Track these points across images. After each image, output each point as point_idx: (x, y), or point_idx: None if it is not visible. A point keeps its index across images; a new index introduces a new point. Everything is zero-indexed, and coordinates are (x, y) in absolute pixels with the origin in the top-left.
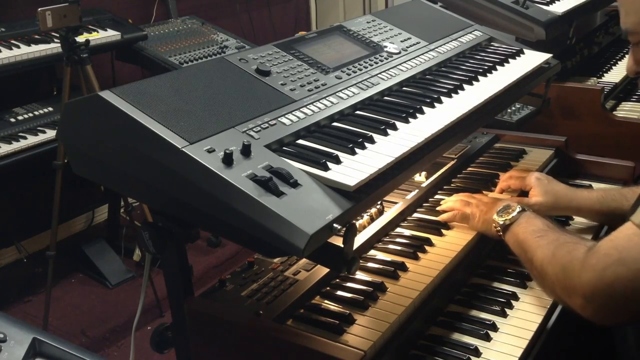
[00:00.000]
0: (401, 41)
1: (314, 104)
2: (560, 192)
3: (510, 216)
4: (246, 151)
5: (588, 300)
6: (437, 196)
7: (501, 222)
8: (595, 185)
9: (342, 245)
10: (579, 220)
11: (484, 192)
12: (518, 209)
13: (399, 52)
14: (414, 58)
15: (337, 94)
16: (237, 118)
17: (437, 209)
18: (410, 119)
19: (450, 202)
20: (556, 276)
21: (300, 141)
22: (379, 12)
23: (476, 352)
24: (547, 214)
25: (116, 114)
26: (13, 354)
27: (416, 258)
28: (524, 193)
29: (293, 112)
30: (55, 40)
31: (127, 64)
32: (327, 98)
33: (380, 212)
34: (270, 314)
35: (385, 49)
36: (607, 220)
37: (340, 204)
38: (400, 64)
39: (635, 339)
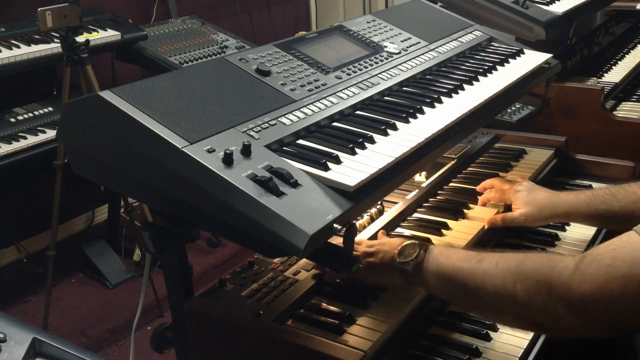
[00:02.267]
0: (401, 41)
1: (314, 104)
2: (543, 200)
3: (415, 254)
4: (246, 151)
5: (576, 311)
6: (438, 197)
7: (407, 264)
8: (595, 185)
9: (342, 245)
10: (575, 225)
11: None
12: (419, 246)
13: (399, 52)
14: (414, 58)
15: (337, 94)
16: (237, 118)
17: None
18: (410, 119)
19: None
20: (533, 292)
21: (301, 141)
22: (379, 12)
23: (476, 352)
24: (535, 224)
25: (116, 114)
26: (13, 354)
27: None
28: (507, 208)
29: (293, 112)
30: (55, 40)
31: (127, 64)
32: (327, 98)
33: (381, 212)
34: (270, 314)
35: (385, 49)
36: (599, 223)
37: (340, 204)
38: (400, 64)
39: None
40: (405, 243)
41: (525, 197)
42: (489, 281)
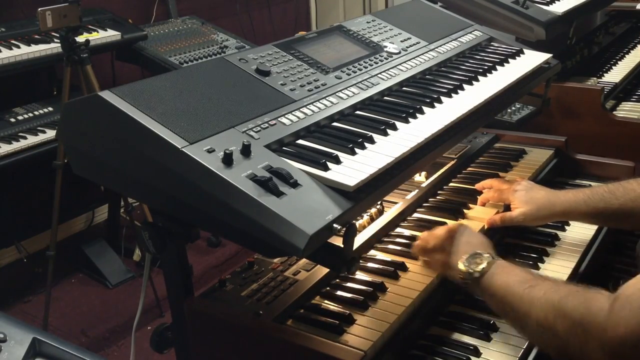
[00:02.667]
0: (401, 41)
1: (314, 104)
2: (541, 199)
3: (480, 267)
4: (246, 151)
5: (614, 356)
6: (437, 197)
7: (468, 274)
8: (595, 185)
9: (342, 246)
10: (575, 224)
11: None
12: (488, 259)
13: (399, 52)
14: (414, 58)
15: (337, 94)
16: (237, 118)
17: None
18: (410, 119)
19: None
20: (570, 331)
21: (300, 141)
22: (379, 12)
23: (476, 352)
24: (534, 223)
25: (116, 114)
26: (13, 354)
27: (416, 258)
28: (507, 208)
29: (293, 112)
30: (55, 40)
31: (127, 64)
32: (327, 98)
33: (380, 212)
34: (270, 314)
35: (385, 49)
36: (598, 221)
37: (340, 204)
38: (400, 64)
39: None
40: (475, 251)
41: (523, 196)
42: (533, 311)
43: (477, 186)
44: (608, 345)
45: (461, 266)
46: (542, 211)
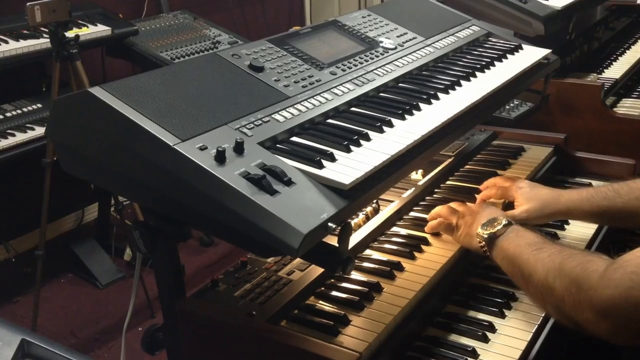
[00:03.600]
0: (397, 36)
1: (308, 100)
2: (545, 196)
3: (495, 229)
4: (239, 149)
5: (603, 316)
6: (434, 195)
7: (486, 236)
8: (595, 183)
9: (337, 245)
10: (575, 223)
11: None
12: (504, 222)
13: (395, 48)
14: (410, 54)
15: (331, 90)
16: (230, 115)
17: (428, 217)
18: (406, 116)
19: (438, 209)
20: (566, 290)
21: (294, 138)
22: (374, 6)
23: (474, 353)
24: (537, 221)
25: (106, 111)
26: (1, 355)
27: (412, 258)
28: (509, 205)
29: (287, 109)
30: (44, 35)
31: (118, 60)
32: (321, 94)
33: (376, 211)
34: (264, 315)
35: (381, 45)
36: (601, 221)
37: (335, 203)
38: (396, 60)
39: None
40: (492, 216)
41: (527, 193)
42: (537, 271)
43: (481, 187)
44: (597, 304)
45: (479, 230)
46: (546, 209)
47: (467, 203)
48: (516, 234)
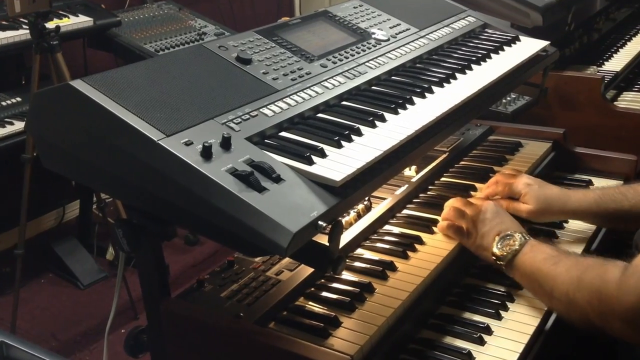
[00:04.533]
0: (390, 27)
1: (298, 94)
2: (553, 195)
3: (512, 249)
4: (226, 144)
5: (630, 323)
6: (428, 192)
7: (502, 256)
8: (595, 180)
9: (327, 244)
10: (573, 223)
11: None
12: (520, 240)
13: (388, 39)
14: (403, 45)
15: (322, 83)
16: (217, 109)
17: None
18: (399, 110)
19: (445, 212)
20: (588, 303)
21: (283, 133)
22: None
23: (469, 356)
24: (541, 220)
25: (88, 105)
26: None
27: (406, 257)
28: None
29: (275, 103)
30: (24, 26)
31: (100, 52)
32: (311, 88)
33: (368, 209)
34: (252, 317)
35: (373, 36)
36: (606, 223)
37: (325, 200)
38: (389, 52)
39: None
40: (507, 232)
41: (535, 191)
42: (557, 287)
43: (484, 186)
44: (622, 313)
45: (495, 249)
46: (552, 208)
47: (471, 200)
48: (531, 249)
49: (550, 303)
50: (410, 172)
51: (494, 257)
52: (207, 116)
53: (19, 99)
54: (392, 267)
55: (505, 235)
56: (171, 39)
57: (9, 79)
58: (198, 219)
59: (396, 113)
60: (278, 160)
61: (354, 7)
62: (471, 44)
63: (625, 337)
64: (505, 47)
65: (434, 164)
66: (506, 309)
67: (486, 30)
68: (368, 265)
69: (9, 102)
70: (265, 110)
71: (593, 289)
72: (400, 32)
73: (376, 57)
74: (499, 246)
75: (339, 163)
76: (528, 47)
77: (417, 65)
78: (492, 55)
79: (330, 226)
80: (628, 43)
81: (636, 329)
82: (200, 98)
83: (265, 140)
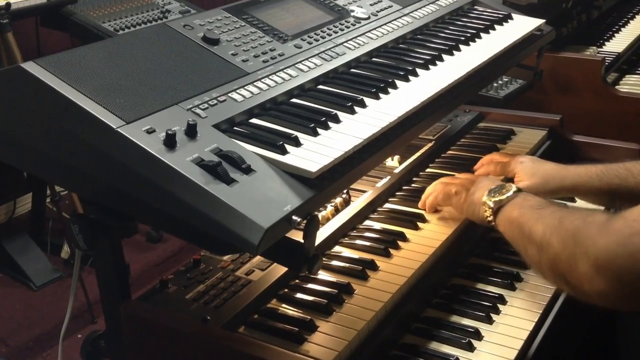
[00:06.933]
0: (370, 5)
1: (270, 77)
2: (550, 170)
3: (505, 196)
4: (191, 132)
5: (599, 269)
6: (413, 184)
7: (492, 204)
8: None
9: (302, 241)
10: (579, 204)
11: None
12: (514, 189)
13: (368, 18)
14: (385, 24)
15: (296, 65)
16: (181, 94)
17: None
18: (381, 95)
19: (431, 187)
20: (563, 243)
21: (254, 120)
22: None
23: None
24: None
25: (41, 89)
26: None
27: (388, 255)
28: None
29: (245, 87)
30: None
31: (54, 31)
32: (285, 70)
33: (347, 202)
34: (220, 320)
35: (352, 14)
36: (609, 199)
37: (300, 193)
38: (369, 31)
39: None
40: (500, 184)
41: (530, 168)
42: (537, 227)
43: (476, 167)
44: (593, 253)
45: (485, 198)
46: (550, 184)
47: (460, 174)
48: (523, 199)
49: (525, 250)
50: (392, 162)
51: (484, 208)
52: (170, 101)
53: None
54: (373, 266)
55: (498, 185)
56: (132, 17)
57: None
58: (161, 214)
59: (377, 98)
60: (248, 149)
61: None
62: (459, 23)
63: (586, 289)
64: (496, 26)
65: (418, 154)
66: (498, 311)
67: (475, 7)
68: (347, 264)
69: None
70: (234, 95)
71: (572, 228)
72: (381, 10)
73: (355, 37)
74: (490, 195)
75: (314, 152)
76: (521, 26)
77: (400, 45)
78: (482, 34)
79: (305, 221)
80: (631, 22)
81: (601, 277)
82: (164, 82)
83: (235, 128)
